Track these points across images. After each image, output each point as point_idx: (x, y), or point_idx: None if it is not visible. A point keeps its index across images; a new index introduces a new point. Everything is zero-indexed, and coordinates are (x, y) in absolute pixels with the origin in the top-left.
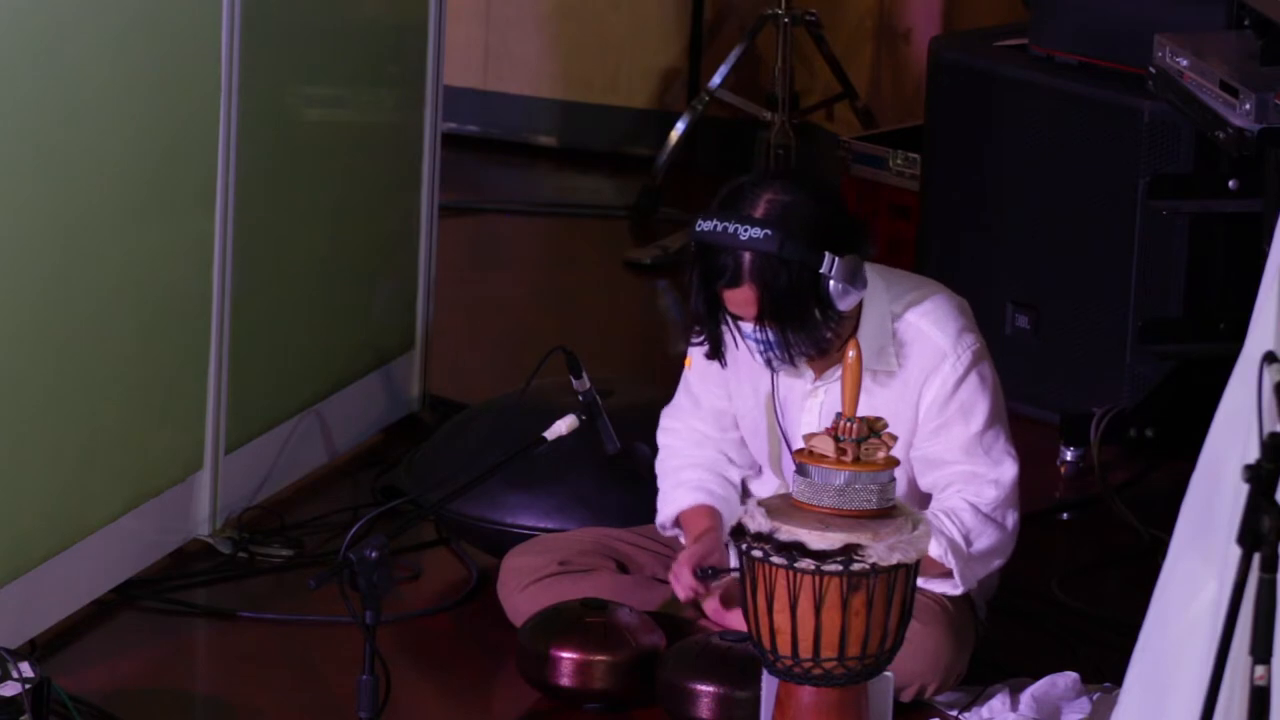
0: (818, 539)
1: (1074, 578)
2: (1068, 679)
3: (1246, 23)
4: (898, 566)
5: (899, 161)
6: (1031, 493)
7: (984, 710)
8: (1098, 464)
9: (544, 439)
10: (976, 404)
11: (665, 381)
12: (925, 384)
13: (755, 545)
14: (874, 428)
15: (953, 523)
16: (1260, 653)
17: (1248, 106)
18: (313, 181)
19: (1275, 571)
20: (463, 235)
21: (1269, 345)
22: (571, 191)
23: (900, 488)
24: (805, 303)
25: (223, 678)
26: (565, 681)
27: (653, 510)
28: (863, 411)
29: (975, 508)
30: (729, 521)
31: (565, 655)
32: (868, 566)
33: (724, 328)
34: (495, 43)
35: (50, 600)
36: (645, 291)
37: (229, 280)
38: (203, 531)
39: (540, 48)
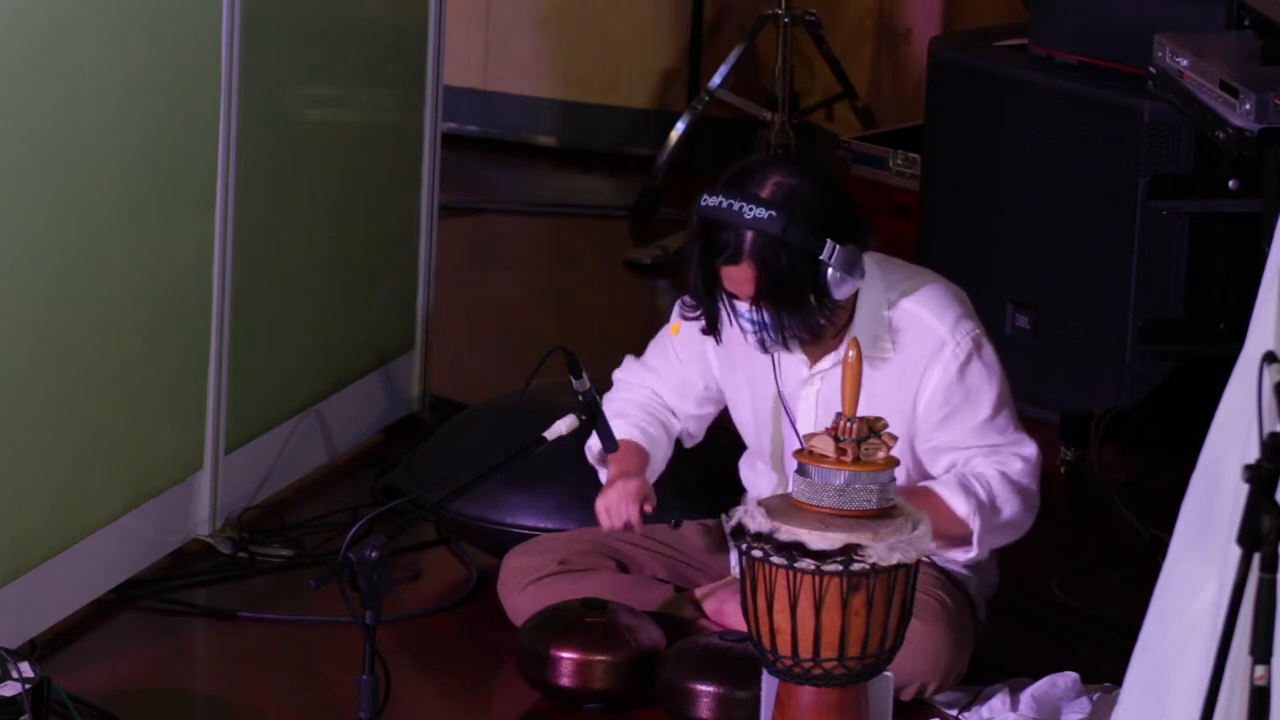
0: (818, 539)
1: (1074, 578)
2: (1068, 679)
3: (1246, 23)
4: (898, 566)
5: (899, 161)
6: None
7: (984, 710)
8: (1098, 464)
9: (544, 439)
10: (983, 390)
11: None
12: (925, 372)
13: (755, 545)
14: (874, 428)
15: (981, 486)
16: (1260, 653)
17: (1248, 106)
18: (313, 181)
19: (1275, 571)
20: (463, 235)
21: (1269, 345)
22: (571, 191)
23: (899, 478)
24: (802, 287)
25: (223, 678)
26: (565, 681)
27: (652, 511)
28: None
29: (1004, 475)
30: (656, 462)
31: (565, 655)
32: (868, 566)
33: (720, 306)
34: (495, 43)
35: (50, 600)
36: (645, 291)
37: (229, 280)
38: (203, 531)
39: (540, 48)
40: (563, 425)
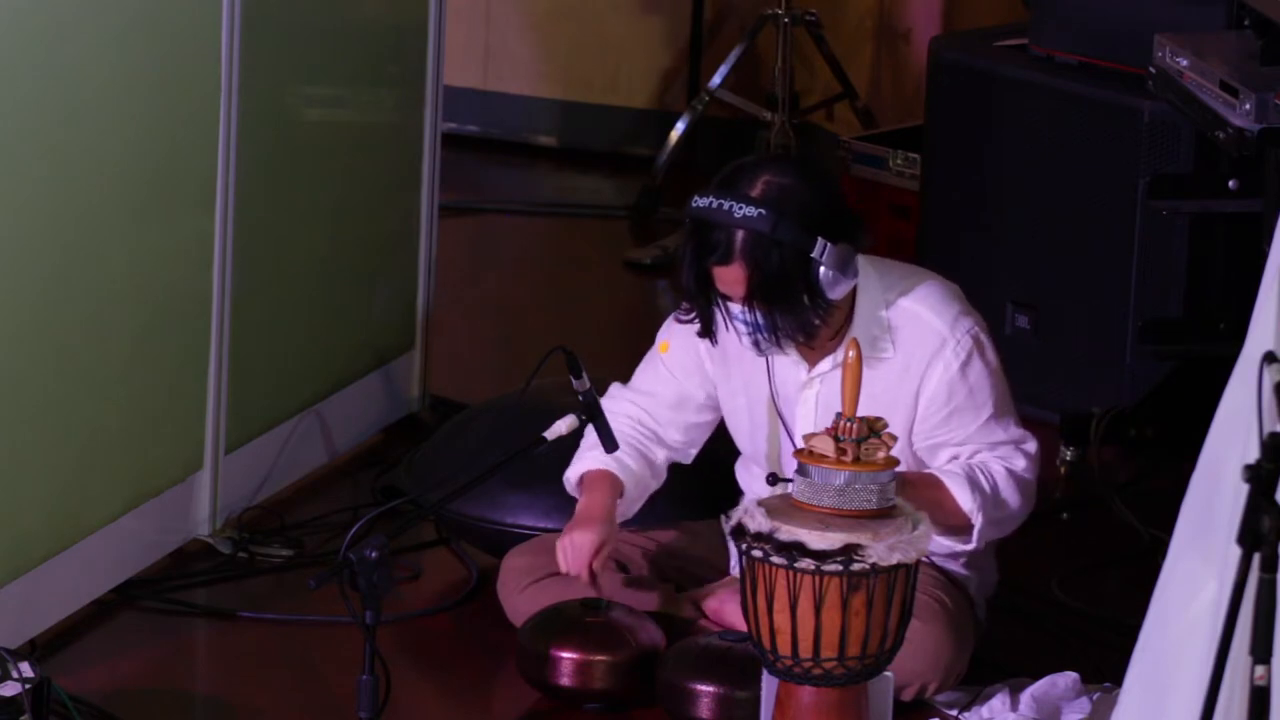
0: (818, 539)
1: (1074, 578)
2: (1068, 679)
3: (1246, 23)
4: (898, 566)
5: (899, 161)
6: None
7: (984, 710)
8: (1098, 464)
9: (544, 439)
10: (985, 388)
11: None
12: (927, 369)
13: (755, 545)
14: (874, 428)
15: (987, 481)
16: (1260, 653)
17: (1248, 106)
18: (313, 181)
19: (1275, 571)
20: (463, 235)
21: (1269, 345)
22: (571, 191)
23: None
24: (794, 286)
25: (223, 678)
26: (565, 681)
27: (654, 511)
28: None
29: (1011, 472)
30: (631, 494)
31: (565, 655)
32: (868, 566)
33: (714, 308)
34: (495, 43)
35: (50, 600)
36: (645, 291)
37: (229, 280)
38: (203, 531)
39: (540, 48)
40: (563, 425)
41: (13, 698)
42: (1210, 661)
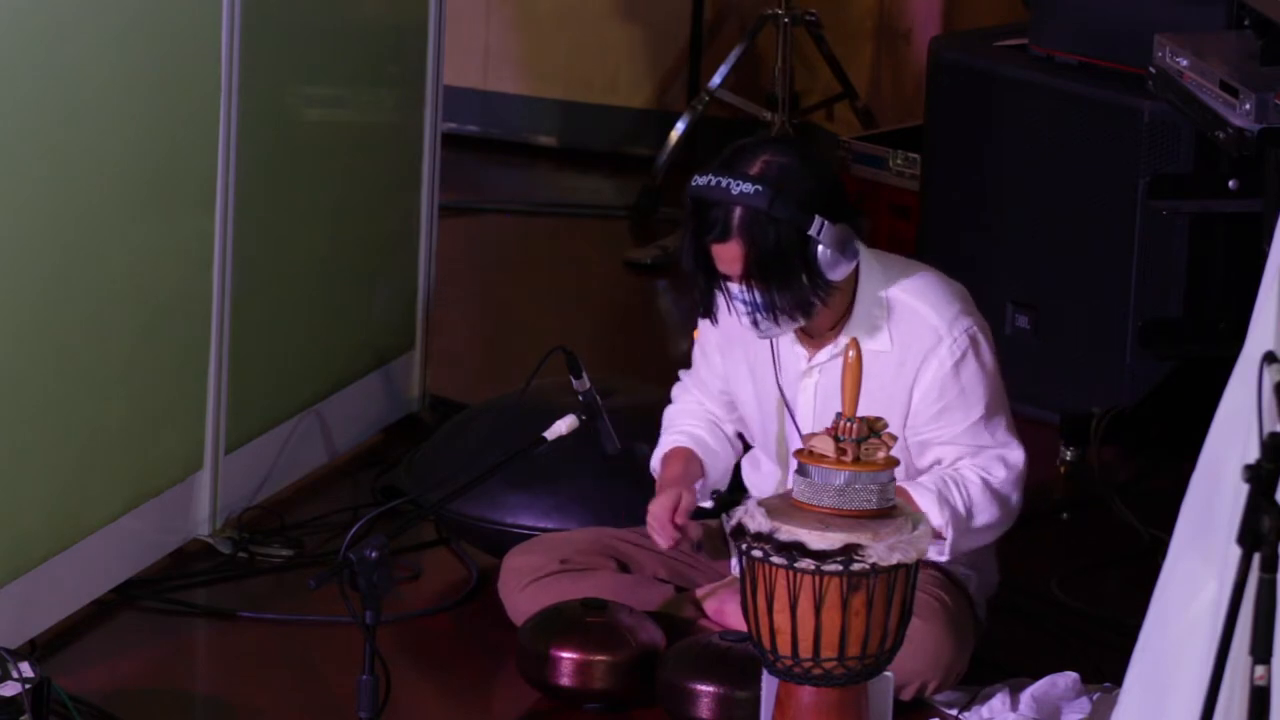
0: (818, 539)
1: (1074, 578)
2: (1068, 679)
3: (1246, 23)
4: (898, 566)
5: (899, 161)
6: (1031, 493)
7: (984, 710)
8: (1098, 464)
9: (544, 439)
10: (977, 388)
11: (665, 381)
12: (922, 364)
13: (755, 545)
14: (874, 428)
15: (960, 493)
16: (1260, 653)
17: (1248, 106)
18: (313, 181)
19: (1275, 571)
20: (463, 235)
21: (1269, 345)
22: (571, 191)
23: (898, 472)
24: (791, 264)
25: (223, 678)
26: (565, 681)
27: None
28: None
29: (986, 483)
30: (712, 465)
31: (565, 655)
32: (868, 566)
33: (716, 290)
34: (495, 43)
35: (50, 600)
36: (645, 291)
37: (229, 280)
38: (203, 531)
39: (540, 48)
40: (563, 425)
41: (13, 698)
42: (1210, 661)
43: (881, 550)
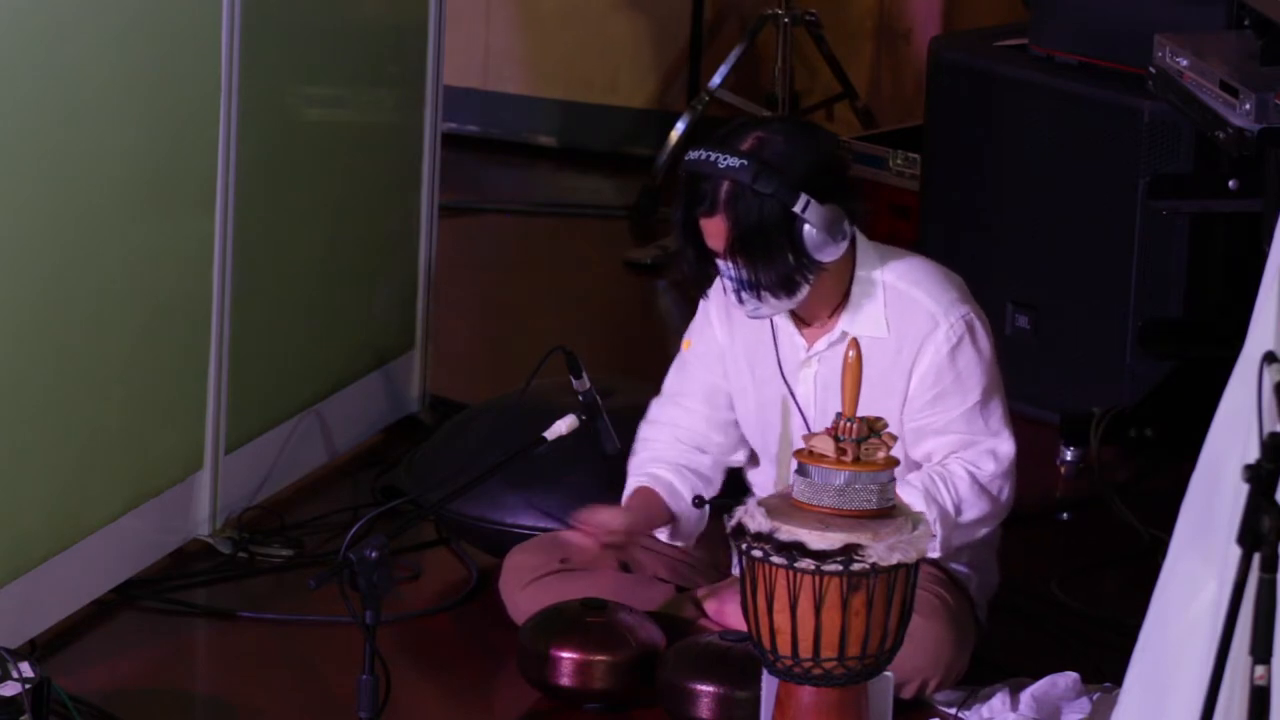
0: (818, 539)
1: (1074, 578)
2: (1068, 679)
3: (1246, 23)
4: (898, 566)
5: (899, 161)
6: (1031, 493)
7: (984, 710)
8: (1098, 464)
9: (544, 439)
10: (973, 374)
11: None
12: (919, 351)
13: (755, 545)
14: (874, 428)
15: (947, 490)
16: (1260, 653)
17: (1248, 106)
18: (313, 181)
19: (1275, 571)
20: (463, 235)
21: (1269, 345)
22: (571, 191)
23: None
24: (775, 240)
25: (223, 678)
26: (565, 681)
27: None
28: None
29: (973, 477)
30: (674, 504)
31: (565, 655)
32: (868, 566)
33: (705, 264)
34: (495, 43)
35: (50, 600)
36: (645, 291)
37: (229, 280)
38: (203, 531)
39: (540, 48)
40: (563, 425)
41: (13, 698)
42: (1210, 661)
43: (881, 550)
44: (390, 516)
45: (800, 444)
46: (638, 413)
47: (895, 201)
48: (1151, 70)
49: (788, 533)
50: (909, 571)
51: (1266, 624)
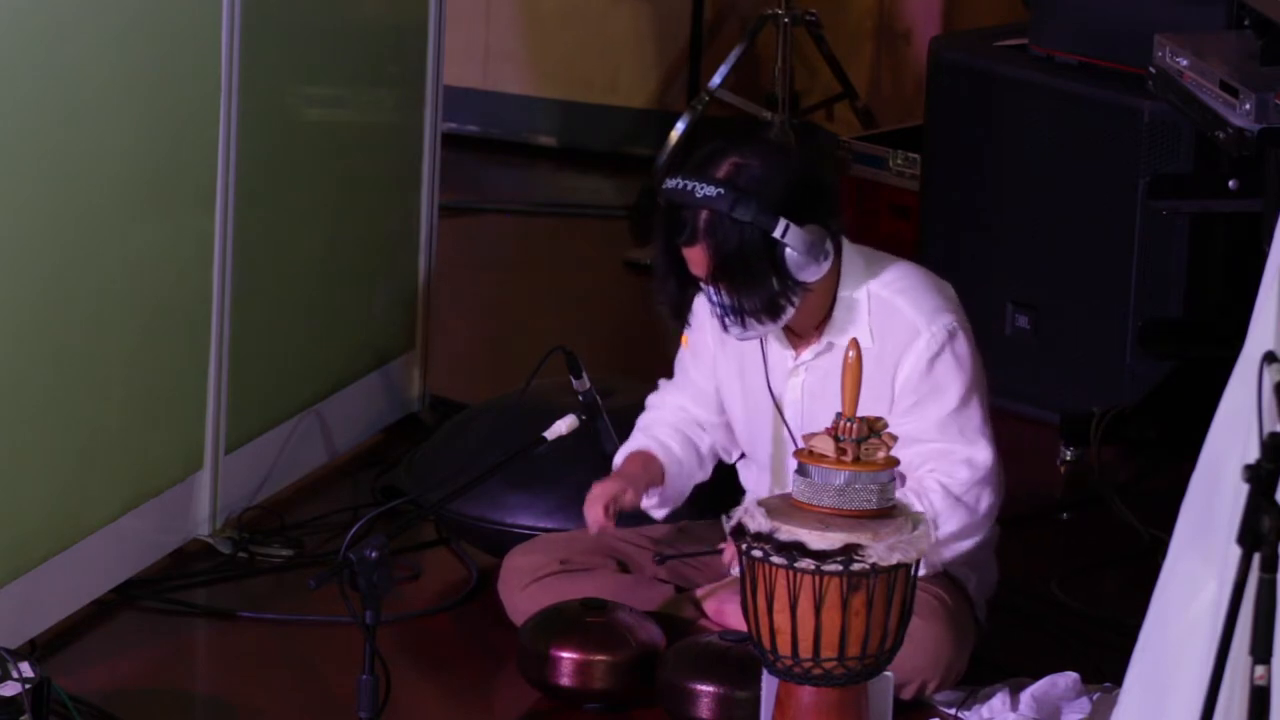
0: (818, 539)
1: (1074, 578)
2: (1068, 679)
3: (1246, 23)
4: (898, 566)
5: (899, 161)
6: (1031, 493)
7: (984, 710)
8: (1098, 464)
9: (544, 439)
10: (951, 382)
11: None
12: (900, 360)
13: (755, 545)
14: (874, 428)
15: (921, 504)
16: (1260, 653)
17: (1248, 106)
18: (313, 181)
19: (1275, 571)
20: (463, 235)
21: (1269, 345)
22: (571, 191)
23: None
24: (756, 266)
25: (223, 678)
26: (565, 681)
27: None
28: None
29: (946, 489)
30: (674, 475)
31: (565, 655)
32: (868, 566)
33: (687, 289)
34: (495, 43)
35: (50, 600)
36: (645, 291)
37: (229, 280)
38: (203, 531)
39: (540, 48)
40: (563, 425)
41: (13, 698)
42: (1210, 661)
43: (881, 550)
44: (390, 516)
45: (788, 452)
46: (638, 413)
47: (895, 201)
48: (1151, 70)
49: (788, 533)
50: (909, 571)
51: (1266, 624)
